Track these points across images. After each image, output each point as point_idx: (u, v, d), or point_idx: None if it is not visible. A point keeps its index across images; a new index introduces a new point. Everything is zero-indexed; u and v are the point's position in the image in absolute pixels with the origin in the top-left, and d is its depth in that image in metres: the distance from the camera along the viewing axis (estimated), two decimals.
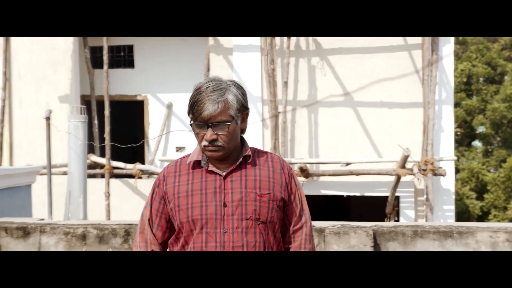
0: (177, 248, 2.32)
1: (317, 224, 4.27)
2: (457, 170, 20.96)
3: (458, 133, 22.54)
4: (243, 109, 2.30)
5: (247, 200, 2.27)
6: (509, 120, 21.62)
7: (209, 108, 2.19)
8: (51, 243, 4.20)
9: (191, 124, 2.24)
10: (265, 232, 2.29)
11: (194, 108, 2.21)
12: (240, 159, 2.32)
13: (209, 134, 2.21)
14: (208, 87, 2.21)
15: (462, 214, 19.46)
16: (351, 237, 4.21)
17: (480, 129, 22.85)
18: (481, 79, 22.98)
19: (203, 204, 2.26)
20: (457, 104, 21.24)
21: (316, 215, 9.82)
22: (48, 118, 4.97)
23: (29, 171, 5.17)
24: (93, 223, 4.30)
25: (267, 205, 2.29)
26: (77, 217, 4.85)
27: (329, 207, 12.33)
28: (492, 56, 22.64)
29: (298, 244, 2.39)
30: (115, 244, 4.22)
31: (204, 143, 2.23)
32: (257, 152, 2.42)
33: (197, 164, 2.32)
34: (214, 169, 2.30)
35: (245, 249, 2.26)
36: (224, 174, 2.29)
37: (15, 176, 5.01)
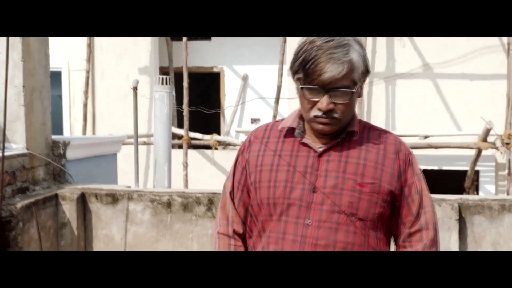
0: (254, 234, 1.88)
1: None
2: None
3: None
4: (366, 73, 1.82)
5: (343, 189, 1.76)
6: None
7: (332, 70, 1.68)
8: (138, 210, 4.34)
9: (301, 88, 1.74)
10: (364, 233, 1.77)
11: (309, 67, 1.70)
12: (343, 135, 1.81)
13: (326, 102, 1.72)
14: (329, 41, 1.70)
15: None
16: (437, 210, 4.13)
17: None
18: None
19: (288, 184, 1.78)
20: None
21: None
22: (135, 88, 5.09)
23: (115, 140, 5.33)
24: (178, 191, 4.40)
25: (370, 198, 1.77)
26: (162, 185, 4.98)
27: None
28: None
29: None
30: (199, 212, 4.31)
31: (316, 112, 1.74)
32: (368, 128, 1.90)
33: (290, 133, 1.86)
34: (309, 142, 1.82)
35: (330, 250, 1.74)
36: (320, 150, 1.80)
37: (102, 144, 5.19)
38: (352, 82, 1.74)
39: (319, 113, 1.75)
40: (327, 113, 1.74)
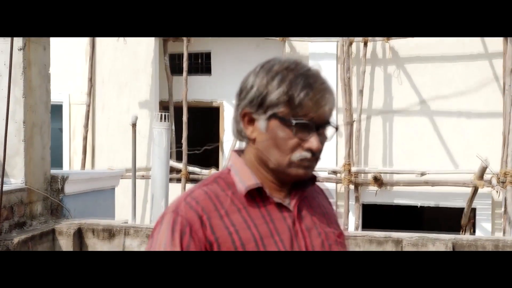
0: None
1: (394, 234, 4.23)
2: None
3: None
4: None
5: (330, 244, 1.54)
6: None
7: (331, 101, 1.46)
8: (135, 245, 4.35)
9: (293, 123, 1.42)
10: None
11: (306, 97, 1.42)
12: (310, 182, 1.55)
13: (317, 141, 1.44)
14: (318, 71, 1.49)
15: None
16: (429, 249, 4.15)
17: None
18: None
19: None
20: None
21: (389, 225, 9.65)
22: (134, 125, 5.15)
23: (113, 174, 5.37)
24: None
25: (345, 245, 1.60)
26: None
27: (402, 217, 12.12)
28: None
29: None
30: None
31: (303, 154, 1.44)
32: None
33: (252, 193, 1.47)
34: (279, 199, 1.49)
35: None
36: (291, 207, 1.50)
37: (100, 179, 5.23)
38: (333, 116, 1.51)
39: (308, 155, 1.43)
40: (315, 154, 1.44)
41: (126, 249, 4.35)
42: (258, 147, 1.48)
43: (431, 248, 4.17)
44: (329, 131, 1.47)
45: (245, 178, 1.47)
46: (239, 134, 1.54)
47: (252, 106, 1.47)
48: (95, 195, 5.28)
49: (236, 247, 1.41)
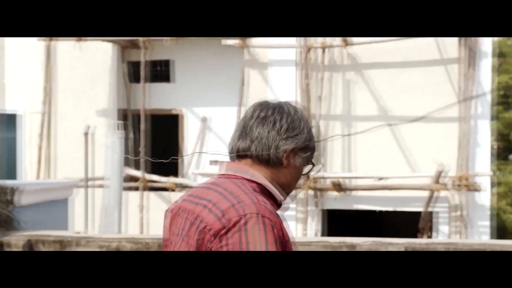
0: None
1: (348, 240, 4.26)
2: (494, 185, 20.61)
3: (496, 147, 22.16)
4: None
5: None
6: None
7: None
8: None
9: (312, 162, 1.91)
10: None
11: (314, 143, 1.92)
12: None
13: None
14: None
15: (498, 229, 19.13)
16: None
17: None
18: None
19: None
20: (495, 117, 20.94)
21: (349, 230, 9.72)
22: (86, 134, 5.08)
23: (67, 185, 5.29)
24: (128, 237, 4.37)
25: None
26: (112, 230, 4.94)
27: (362, 222, 12.23)
28: None
29: None
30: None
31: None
32: None
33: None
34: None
35: None
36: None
37: (52, 190, 5.14)
38: None
39: None
40: None
41: None
42: (286, 174, 1.86)
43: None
44: None
45: (278, 193, 1.84)
46: (269, 157, 1.83)
47: (301, 145, 1.84)
48: (48, 206, 5.19)
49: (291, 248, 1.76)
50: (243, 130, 1.86)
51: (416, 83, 9.45)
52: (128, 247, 4.29)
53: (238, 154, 1.87)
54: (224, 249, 1.62)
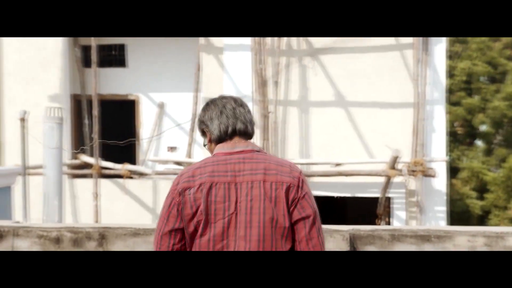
0: None
1: None
2: (458, 170, 20.95)
3: (459, 132, 22.52)
4: (203, 128, 2.50)
5: None
6: (510, 118, 21.59)
7: None
8: (25, 247, 4.19)
9: None
10: None
11: None
12: None
13: None
14: None
15: (463, 214, 19.46)
16: (328, 241, 4.18)
17: (481, 128, 22.83)
18: (481, 78, 22.96)
19: None
20: (457, 103, 21.22)
21: None
22: (23, 119, 4.96)
23: (9, 172, 5.16)
24: (68, 226, 4.29)
25: None
26: (52, 219, 4.85)
27: (323, 209, 12.30)
28: (493, 55, 22.58)
29: None
30: (90, 248, 4.20)
31: None
32: None
33: None
34: None
35: None
36: None
37: None
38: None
39: None
40: None
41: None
42: None
43: (329, 240, 4.21)
44: None
45: None
46: (252, 133, 2.54)
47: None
48: None
49: None
50: (235, 116, 2.42)
51: (372, 68, 9.50)
52: (68, 236, 4.21)
53: (240, 133, 2.42)
54: (306, 196, 2.36)
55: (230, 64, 9.76)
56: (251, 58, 9.63)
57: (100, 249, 4.21)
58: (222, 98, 2.49)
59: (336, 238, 4.16)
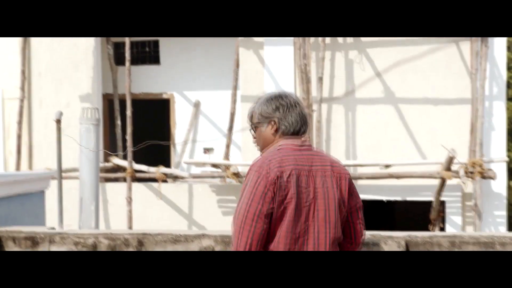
0: None
1: None
2: None
3: None
4: (264, 119, 2.91)
5: None
6: None
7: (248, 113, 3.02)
8: None
9: None
10: None
11: None
12: None
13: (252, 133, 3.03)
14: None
15: None
16: (381, 248, 4.14)
17: None
18: None
19: None
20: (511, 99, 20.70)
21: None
22: (58, 121, 5.03)
23: (42, 176, 5.24)
24: (105, 232, 4.33)
25: None
26: (88, 225, 4.90)
27: (370, 213, 12.19)
28: None
29: None
30: None
31: None
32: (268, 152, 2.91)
33: None
34: None
35: None
36: None
37: (27, 182, 5.09)
38: (252, 123, 2.99)
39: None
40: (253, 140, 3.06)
41: None
42: None
43: (383, 247, 4.16)
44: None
45: None
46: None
47: None
48: (21, 199, 5.15)
49: None
50: (303, 115, 2.90)
51: (424, 61, 9.37)
52: (105, 243, 4.25)
53: (305, 132, 2.90)
54: (355, 188, 3.00)
55: (270, 59, 9.75)
56: (293, 53, 9.60)
57: None
58: (286, 94, 2.93)
59: (390, 245, 4.10)
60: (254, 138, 2.99)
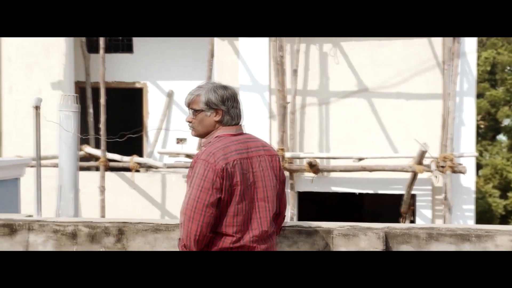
0: None
1: (324, 224, 4.25)
2: (480, 166, 20.84)
3: (482, 126, 22.38)
4: (213, 106, 3.06)
5: None
6: None
7: (187, 98, 3.12)
8: (39, 242, 4.21)
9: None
10: None
11: None
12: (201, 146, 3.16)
13: (187, 118, 3.13)
14: (198, 86, 3.15)
15: (485, 213, 19.37)
16: (361, 240, 4.18)
17: (506, 122, 22.67)
18: (507, 68, 22.78)
19: None
20: (480, 95, 21.02)
21: (327, 214, 9.73)
22: (37, 107, 4.97)
23: (17, 163, 5.18)
24: (84, 220, 4.30)
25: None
26: (67, 213, 4.86)
27: (341, 205, 12.30)
28: None
29: None
30: (108, 244, 4.22)
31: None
32: (209, 144, 3.09)
33: None
34: None
35: None
36: None
37: (1, 168, 5.03)
38: (197, 106, 3.07)
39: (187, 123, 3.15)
40: (189, 124, 3.13)
41: (30, 246, 4.20)
42: None
43: (363, 238, 4.21)
44: (192, 113, 3.10)
45: None
46: None
47: None
48: None
49: None
50: (241, 112, 3.15)
51: (397, 56, 9.47)
52: (85, 231, 4.22)
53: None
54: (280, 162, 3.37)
55: (245, 51, 9.75)
56: (268, 44, 9.61)
57: (119, 245, 4.22)
58: (229, 87, 3.14)
59: (370, 236, 4.15)
60: (190, 122, 3.12)
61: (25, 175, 5.96)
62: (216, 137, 3.08)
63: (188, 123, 3.15)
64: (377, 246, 4.14)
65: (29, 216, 4.47)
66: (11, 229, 4.23)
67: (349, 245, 4.14)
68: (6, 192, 5.05)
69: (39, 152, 4.98)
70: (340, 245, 4.14)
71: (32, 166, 6.58)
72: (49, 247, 4.19)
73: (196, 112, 3.08)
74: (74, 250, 4.19)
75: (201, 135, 3.15)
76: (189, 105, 3.11)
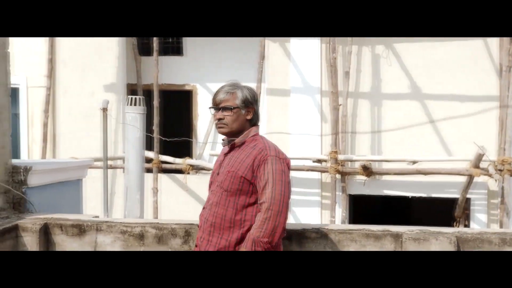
0: None
1: (393, 228, 4.18)
2: None
3: None
4: (248, 104, 3.26)
5: (224, 173, 3.27)
6: None
7: (218, 95, 3.26)
8: (108, 242, 4.24)
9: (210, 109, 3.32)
10: (224, 198, 3.24)
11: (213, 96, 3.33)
12: (239, 143, 3.29)
13: (216, 115, 3.26)
14: (226, 84, 3.32)
15: None
16: (432, 244, 4.10)
17: None
18: None
19: (215, 172, 3.43)
20: None
21: (378, 218, 9.56)
22: (105, 109, 5.00)
23: (81, 164, 5.23)
24: (152, 222, 4.31)
25: (229, 178, 3.21)
26: (133, 214, 4.88)
27: (392, 209, 12.13)
28: None
29: (256, 221, 3.16)
30: (175, 245, 4.22)
31: (216, 122, 3.28)
32: (254, 141, 3.26)
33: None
34: (225, 149, 3.40)
35: (212, 204, 3.32)
36: (225, 152, 3.38)
37: (67, 169, 5.08)
38: (233, 104, 3.25)
39: (217, 121, 3.29)
40: (218, 121, 3.28)
41: (99, 246, 4.23)
42: None
43: (433, 242, 4.13)
44: (223, 110, 3.26)
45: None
46: None
47: None
48: (60, 187, 5.15)
49: None
50: None
51: (451, 57, 9.30)
52: (152, 232, 4.23)
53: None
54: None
55: (297, 52, 9.70)
56: (319, 46, 9.54)
57: (186, 247, 4.22)
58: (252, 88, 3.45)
59: (441, 241, 4.07)
60: (221, 119, 3.26)
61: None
62: (253, 136, 3.28)
63: (217, 120, 3.24)
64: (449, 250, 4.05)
65: (96, 217, 4.51)
66: (80, 229, 4.26)
67: (420, 249, 4.06)
68: (71, 193, 5.10)
69: (106, 153, 5.01)
70: (411, 250, 4.07)
71: (93, 168, 6.65)
72: (117, 247, 4.21)
73: (229, 110, 3.21)
74: (141, 250, 4.20)
75: (233, 133, 3.28)
76: (221, 102, 3.22)
